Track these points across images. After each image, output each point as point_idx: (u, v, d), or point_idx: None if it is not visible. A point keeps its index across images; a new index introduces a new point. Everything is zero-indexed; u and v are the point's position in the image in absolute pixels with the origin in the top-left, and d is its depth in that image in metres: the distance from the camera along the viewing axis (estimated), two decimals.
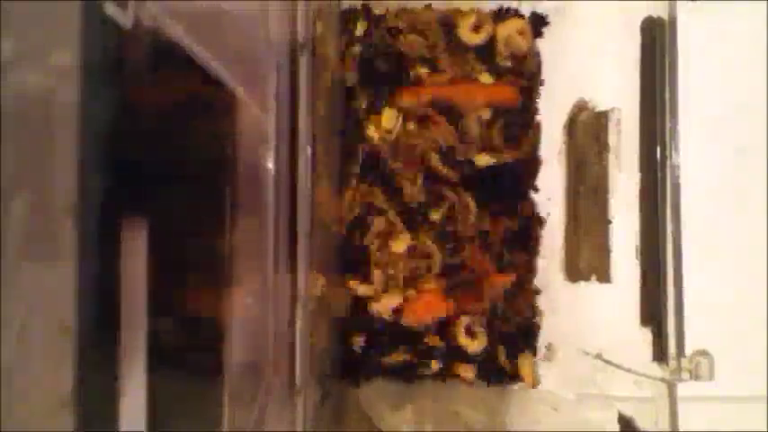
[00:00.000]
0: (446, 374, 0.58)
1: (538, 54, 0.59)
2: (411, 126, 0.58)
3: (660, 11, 0.42)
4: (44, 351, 0.16)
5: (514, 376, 0.58)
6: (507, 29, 0.58)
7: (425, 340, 0.57)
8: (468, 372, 0.57)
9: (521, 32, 0.58)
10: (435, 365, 0.57)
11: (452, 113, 0.58)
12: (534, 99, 0.59)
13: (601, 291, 0.50)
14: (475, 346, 0.57)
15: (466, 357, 0.57)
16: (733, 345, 0.43)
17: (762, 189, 0.55)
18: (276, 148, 0.38)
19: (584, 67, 0.53)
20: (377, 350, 0.57)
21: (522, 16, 0.59)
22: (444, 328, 0.58)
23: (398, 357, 0.58)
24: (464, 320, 0.57)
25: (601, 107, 0.50)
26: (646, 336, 0.42)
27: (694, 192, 0.43)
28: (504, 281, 0.58)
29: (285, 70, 0.39)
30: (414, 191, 0.58)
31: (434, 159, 0.57)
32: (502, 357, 0.58)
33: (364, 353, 0.57)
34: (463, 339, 0.57)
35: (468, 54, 0.59)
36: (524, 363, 0.58)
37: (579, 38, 0.54)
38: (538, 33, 0.59)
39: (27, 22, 0.16)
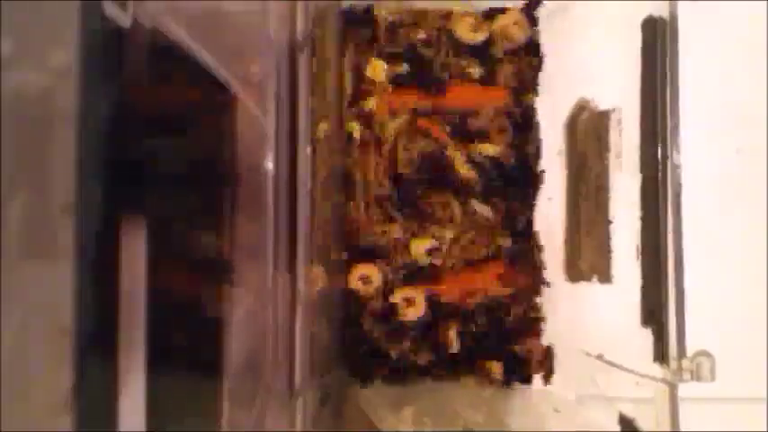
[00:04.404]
0: (474, 372, 0.58)
1: (540, 55, 0.60)
2: (411, 128, 0.59)
3: (661, 10, 0.42)
4: (44, 351, 0.16)
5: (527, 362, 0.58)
6: (503, 22, 0.59)
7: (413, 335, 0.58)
8: (496, 369, 0.58)
9: (516, 23, 0.59)
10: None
11: (449, 114, 0.59)
12: (533, 98, 0.60)
13: (601, 291, 0.50)
14: (454, 347, 0.58)
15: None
16: (734, 345, 0.43)
17: (762, 189, 0.55)
18: (276, 149, 0.38)
19: (586, 66, 0.53)
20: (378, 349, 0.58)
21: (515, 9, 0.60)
22: (433, 331, 0.58)
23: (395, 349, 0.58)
24: (454, 325, 0.58)
25: (602, 107, 0.50)
26: (646, 336, 0.42)
27: (695, 191, 0.43)
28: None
29: (285, 70, 0.39)
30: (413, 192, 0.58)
31: (458, 161, 0.58)
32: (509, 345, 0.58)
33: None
34: (449, 340, 0.58)
35: (465, 53, 0.60)
36: (535, 347, 0.59)
37: (580, 37, 0.54)
38: (534, 22, 0.60)
39: (26, 22, 0.16)
